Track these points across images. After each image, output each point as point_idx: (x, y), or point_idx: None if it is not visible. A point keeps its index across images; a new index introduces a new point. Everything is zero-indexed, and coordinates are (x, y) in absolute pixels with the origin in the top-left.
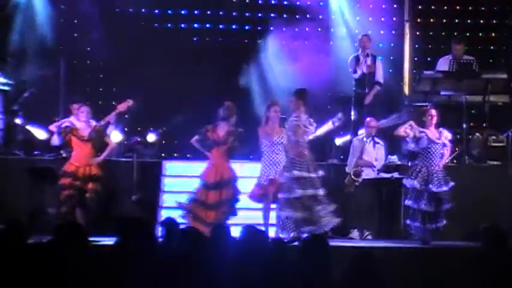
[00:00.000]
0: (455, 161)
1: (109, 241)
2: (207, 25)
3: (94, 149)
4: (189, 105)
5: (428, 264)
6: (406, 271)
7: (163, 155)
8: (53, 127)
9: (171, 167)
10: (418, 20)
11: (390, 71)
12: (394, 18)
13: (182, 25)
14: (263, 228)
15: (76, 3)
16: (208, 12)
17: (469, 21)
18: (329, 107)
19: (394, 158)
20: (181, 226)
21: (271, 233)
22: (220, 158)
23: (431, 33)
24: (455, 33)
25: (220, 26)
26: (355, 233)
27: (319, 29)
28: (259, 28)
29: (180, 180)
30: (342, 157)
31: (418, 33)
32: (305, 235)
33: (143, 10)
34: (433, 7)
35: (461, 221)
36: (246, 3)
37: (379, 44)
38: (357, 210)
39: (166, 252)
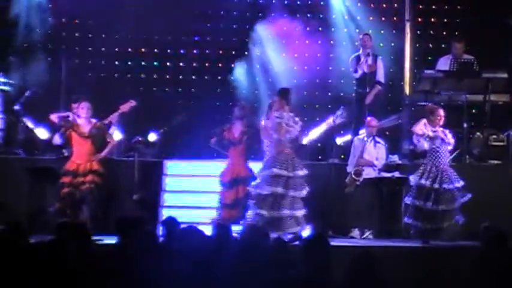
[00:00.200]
0: (455, 161)
1: (111, 240)
2: (208, 24)
3: (94, 147)
4: (190, 104)
5: (428, 263)
6: (406, 270)
7: (164, 154)
8: (54, 117)
9: (172, 166)
10: (419, 20)
11: (391, 70)
12: (395, 18)
13: (181, 25)
14: None
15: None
16: (210, 12)
17: (469, 20)
18: (329, 106)
19: (394, 158)
20: (182, 225)
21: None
22: (237, 157)
23: (431, 32)
24: (456, 33)
25: (221, 25)
26: (355, 232)
27: (320, 28)
28: (259, 27)
29: (181, 180)
30: (342, 156)
31: (418, 32)
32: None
33: (143, 8)
34: (433, 6)
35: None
36: (247, 2)
37: (380, 44)
38: (358, 209)
39: (167, 251)
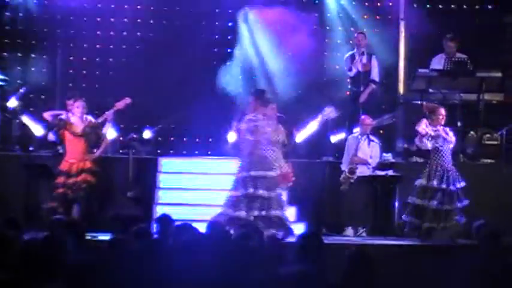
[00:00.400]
0: None
1: (105, 237)
2: (203, 22)
3: (87, 145)
4: (185, 102)
5: (422, 261)
6: (399, 268)
7: (159, 151)
8: (47, 115)
9: (166, 163)
10: (413, 19)
11: (385, 68)
12: (390, 17)
13: (177, 22)
14: None
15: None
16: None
17: (463, 19)
18: (324, 104)
19: (388, 156)
20: (177, 223)
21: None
22: None
23: (426, 31)
24: (449, 32)
25: (216, 23)
26: (349, 231)
27: (314, 26)
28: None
29: (176, 177)
30: (336, 155)
31: (413, 31)
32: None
33: (139, 7)
34: (428, 5)
35: None
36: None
37: (374, 42)
38: (352, 207)
39: (162, 248)
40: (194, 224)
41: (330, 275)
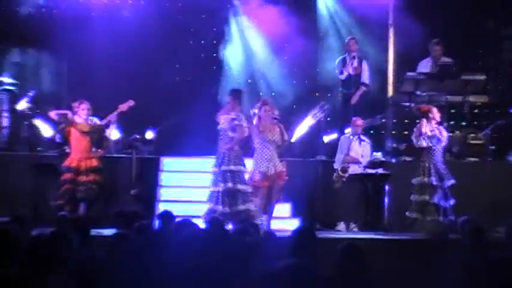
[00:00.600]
0: None
1: (109, 232)
2: (202, 28)
3: (91, 143)
4: (185, 104)
5: (410, 254)
6: (389, 261)
7: (160, 151)
8: (53, 114)
9: (168, 162)
10: (401, 25)
11: (374, 72)
12: (379, 23)
13: (178, 28)
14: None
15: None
16: (203, 16)
17: (448, 26)
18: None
19: (378, 155)
20: (177, 219)
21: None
22: None
23: (413, 36)
24: (435, 37)
25: (214, 29)
26: (341, 226)
27: (308, 32)
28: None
29: (177, 175)
30: (329, 154)
31: (401, 36)
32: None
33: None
34: (415, 12)
35: None
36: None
37: (365, 47)
38: (344, 204)
39: (163, 242)
40: (194, 220)
41: (323, 267)
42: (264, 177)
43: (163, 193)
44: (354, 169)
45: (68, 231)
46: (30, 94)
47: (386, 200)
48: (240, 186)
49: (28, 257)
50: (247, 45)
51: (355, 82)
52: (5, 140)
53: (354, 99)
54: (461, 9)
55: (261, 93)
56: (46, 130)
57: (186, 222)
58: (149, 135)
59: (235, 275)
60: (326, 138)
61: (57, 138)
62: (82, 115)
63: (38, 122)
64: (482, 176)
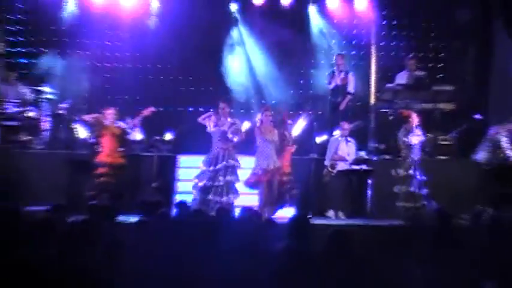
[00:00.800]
0: None
1: (134, 219)
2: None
3: (118, 144)
4: (198, 110)
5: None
6: (372, 244)
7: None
8: (87, 117)
9: (184, 160)
10: (382, 43)
11: (359, 83)
12: (363, 42)
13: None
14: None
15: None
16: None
17: (422, 44)
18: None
19: (362, 153)
20: (192, 208)
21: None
22: None
23: (392, 53)
24: (411, 53)
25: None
26: (331, 213)
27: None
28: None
29: (191, 171)
30: (321, 153)
31: (382, 53)
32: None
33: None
34: (393, 33)
35: None
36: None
37: (351, 62)
38: (333, 194)
39: (179, 228)
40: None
41: (315, 248)
42: (264, 173)
43: (180, 186)
44: (341, 166)
45: (98, 218)
46: (67, 101)
47: (369, 192)
48: (230, 178)
49: (64, 240)
50: (251, 59)
51: (342, 91)
52: (46, 141)
53: (342, 106)
54: (432, 29)
55: (263, 101)
56: (82, 132)
57: (199, 211)
58: (168, 136)
59: (239, 254)
60: (318, 139)
61: (91, 139)
62: (110, 119)
63: (76, 126)
64: (451, 171)
